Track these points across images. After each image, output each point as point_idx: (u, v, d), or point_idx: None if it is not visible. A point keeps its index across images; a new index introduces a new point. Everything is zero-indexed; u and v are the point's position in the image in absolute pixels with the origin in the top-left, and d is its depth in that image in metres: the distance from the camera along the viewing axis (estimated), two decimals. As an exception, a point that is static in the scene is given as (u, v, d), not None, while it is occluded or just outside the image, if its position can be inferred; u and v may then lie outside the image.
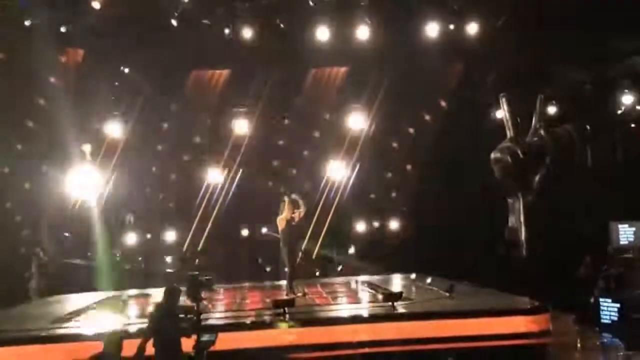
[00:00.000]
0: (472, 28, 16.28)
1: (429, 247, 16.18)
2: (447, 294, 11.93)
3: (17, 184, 16.17)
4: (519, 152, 12.71)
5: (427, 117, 18.50)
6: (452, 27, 16.39)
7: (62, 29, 15.36)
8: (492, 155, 13.07)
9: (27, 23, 15.24)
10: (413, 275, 15.26)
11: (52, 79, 16.43)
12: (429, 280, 13.86)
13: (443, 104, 18.19)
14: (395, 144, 18.85)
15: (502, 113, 13.69)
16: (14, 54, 15.62)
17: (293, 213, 12.83)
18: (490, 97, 15.72)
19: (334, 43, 16.94)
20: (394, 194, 18.82)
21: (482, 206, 15.73)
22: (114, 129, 17.30)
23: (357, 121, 17.83)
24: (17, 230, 16.15)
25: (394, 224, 18.47)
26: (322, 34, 16.91)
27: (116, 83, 17.46)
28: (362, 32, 16.81)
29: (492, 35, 16.06)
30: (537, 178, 12.85)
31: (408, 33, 16.69)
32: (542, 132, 13.27)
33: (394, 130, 18.61)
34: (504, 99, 13.55)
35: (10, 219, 16.03)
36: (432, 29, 16.46)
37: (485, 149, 13.57)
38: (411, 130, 18.74)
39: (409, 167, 18.68)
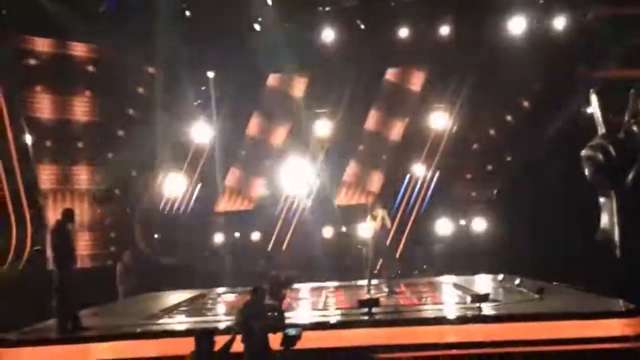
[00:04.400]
0: (560, 22, 15.81)
1: (516, 247, 15.80)
2: (537, 296, 11.61)
3: (110, 187, 16.87)
4: (611, 149, 12.24)
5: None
6: (537, 22, 15.97)
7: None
8: (583, 153, 12.62)
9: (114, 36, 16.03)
10: (501, 276, 14.94)
11: (140, 90, 17.13)
12: (517, 281, 13.52)
13: (526, 103, 17.70)
14: (476, 145, 18.48)
15: (592, 109, 13.21)
16: (103, 66, 16.39)
17: (383, 220, 12.89)
18: (580, 93, 15.21)
19: (414, 42, 16.88)
20: (477, 194, 18.42)
21: (571, 206, 15.22)
22: (199, 134, 17.84)
23: (439, 121, 17.67)
24: (109, 231, 16.85)
25: (479, 224, 18.07)
26: (403, 33, 16.87)
27: (202, 87, 17.97)
28: (444, 30, 16.65)
29: (580, 30, 15.54)
30: (630, 176, 12.31)
31: (491, 29, 16.39)
32: (634, 128, 12.72)
33: (475, 131, 18.27)
34: (594, 94, 13.07)
35: (103, 221, 16.74)
36: (516, 25, 16.10)
37: (573, 147, 13.13)
38: (492, 130, 18.32)
39: (489, 167, 18.27)
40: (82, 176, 16.45)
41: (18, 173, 14.46)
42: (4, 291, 12.75)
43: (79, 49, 16.42)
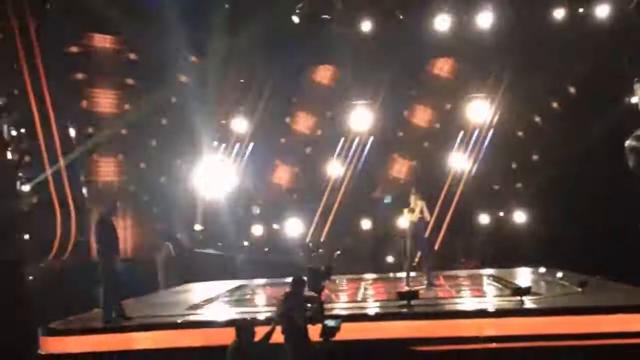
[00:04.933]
0: (603, 10, 15.48)
1: (558, 239, 15.55)
2: (579, 289, 11.44)
3: (152, 178, 17.12)
4: (656, 139, 11.98)
5: (555, 104, 17.72)
6: (581, 10, 15.67)
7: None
8: (627, 144, 12.38)
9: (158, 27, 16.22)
10: (542, 269, 14.74)
11: (183, 78, 17.32)
12: (559, 274, 13.33)
13: (572, 89, 17.37)
14: (520, 133, 18.20)
15: (636, 99, 12.96)
16: (146, 54, 16.60)
17: (421, 213, 12.82)
18: (623, 82, 14.88)
19: (453, 31, 16.72)
20: (519, 185, 18.18)
21: (614, 197, 14.92)
22: (240, 124, 17.98)
23: (479, 111, 17.47)
24: (153, 223, 17.11)
25: (519, 216, 17.80)
26: (442, 23, 16.72)
27: (241, 80, 18.09)
28: (484, 19, 16.46)
29: (624, 18, 15.18)
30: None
31: (533, 18, 16.14)
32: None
33: (519, 119, 18.00)
34: (638, 84, 12.80)
35: (147, 211, 17.00)
36: (558, 13, 15.82)
37: (618, 137, 12.87)
38: (537, 118, 18.03)
39: (535, 157, 17.98)
40: (125, 169, 16.69)
41: (63, 166, 14.76)
42: (49, 281, 13.07)
43: (121, 41, 16.64)
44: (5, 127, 14.52)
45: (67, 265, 14.06)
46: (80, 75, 16.12)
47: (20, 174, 14.71)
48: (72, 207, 14.77)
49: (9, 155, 14.55)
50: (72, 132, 15.44)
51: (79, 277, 12.59)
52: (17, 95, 14.68)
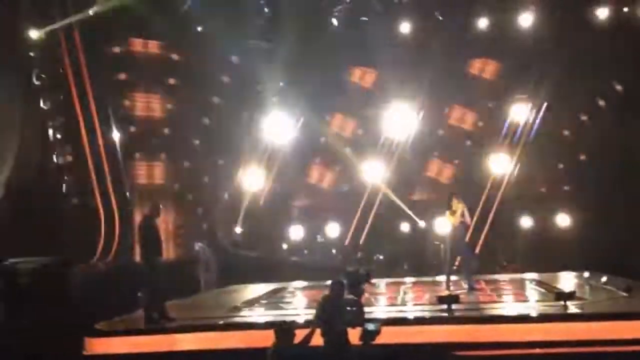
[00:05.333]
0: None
1: (604, 243, 15.19)
2: (625, 294, 11.18)
3: (197, 178, 17.31)
4: None
5: (601, 103, 17.32)
6: (626, 9, 15.35)
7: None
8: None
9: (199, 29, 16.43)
10: (586, 274, 14.46)
11: (225, 78, 17.49)
12: (604, 278, 13.06)
13: (619, 87, 16.97)
14: (566, 132, 17.82)
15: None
16: (189, 56, 16.81)
17: (462, 216, 12.69)
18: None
19: (494, 31, 16.55)
20: (565, 187, 17.78)
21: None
22: (280, 126, 18.05)
23: (522, 111, 17.22)
24: (197, 223, 17.29)
25: (564, 219, 17.39)
26: (483, 23, 16.58)
27: (280, 83, 18.19)
28: (525, 19, 16.27)
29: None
30: None
31: (576, 16, 15.88)
32: None
33: (563, 119, 17.65)
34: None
35: (192, 211, 17.18)
36: (602, 12, 15.54)
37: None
38: (584, 117, 17.59)
39: (582, 157, 17.56)
40: (169, 170, 16.89)
41: (107, 169, 15.03)
42: (93, 283, 13.32)
43: (162, 44, 16.86)
44: (50, 132, 14.88)
45: (111, 266, 14.31)
46: (123, 76, 16.35)
47: (65, 177, 15.04)
48: (115, 209, 15.03)
49: (55, 159, 14.90)
50: (115, 135, 15.71)
51: (122, 278, 12.80)
52: (62, 99, 15.02)
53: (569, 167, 17.59)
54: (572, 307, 10.17)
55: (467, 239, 13.31)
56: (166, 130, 16.73)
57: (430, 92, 17.80)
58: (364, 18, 17.19)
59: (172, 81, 16.86)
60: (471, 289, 12.80)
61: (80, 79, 14.94)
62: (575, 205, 17.06)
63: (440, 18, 17.00)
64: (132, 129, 16.26)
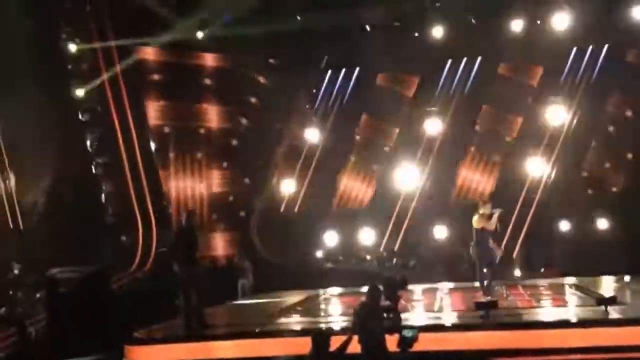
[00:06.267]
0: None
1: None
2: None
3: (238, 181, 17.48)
4: None
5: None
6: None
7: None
8: None
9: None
10: (627, 278, 14.17)
11: (253, 99, 17.69)
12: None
13: None
14: (602, 137, 17.56)
15: None
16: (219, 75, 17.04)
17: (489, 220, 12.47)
18: None
19: (528, 35, 16.38)
20: (602, 191, 17.49)
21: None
22: (312, 135, 18.14)
23: (558, 115, 16.99)
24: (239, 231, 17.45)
25: (602, 223, 17.10)
26: (516, 26, 16.42)
27: (314, 90, 18.26)
28: (559, 21, 16.10)
29: None
30: None
31: (609, 18, 15.67)
32: None
33: (596, 124, 17.37)
34: None
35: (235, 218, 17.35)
36: (637, 11, 15.32)
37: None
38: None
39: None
40: (202, 180, 17.10)
41: (144, 179, 15.25)
42: (133, 291, 13.52)
43: (196, 59, 17.11)
44: (88, 142, 15.18)
45: (149, 274, 14.50)
46: (156, 93, 16.59)
47: (103, 187, 15.32)
48: (153, 218, 15.24)
49: (93, 169, 15.19)
50: (152, 146, 15.95)
51: (161, 286, 12.95)
52: (100, 111, 15.31)
53: (604, 172, 17.32)
54: (613, 312, 9.98)
55: (490, 245, 12.86)
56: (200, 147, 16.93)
57: (462, 97, 17.71)
58: (397, 23, 17.13)
59: (205, 99, 17.10)
60: (508, 294, 12.59)
61: (118, 92, 15.22)
62: (609, 210, 16.83)
63: (473, 21, 16.91)
64: (166, 142, 16.48)
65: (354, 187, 18.89)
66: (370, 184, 18.81)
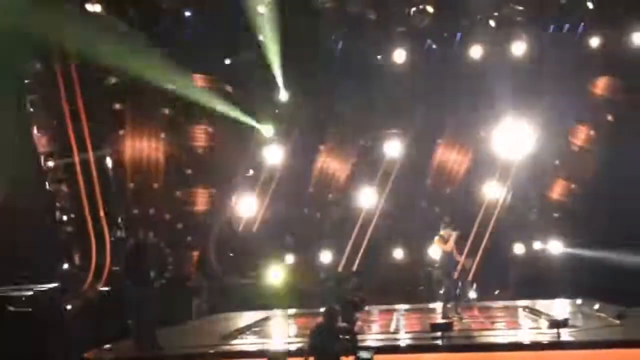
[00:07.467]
0: None
1: (594, 271, 15.18)
2: (617, 321, 11.17)
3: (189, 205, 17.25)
4: None
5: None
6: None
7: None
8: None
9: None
10: (579, 301, 14.44)
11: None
12: (596, 306, 13.05)
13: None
14: (557, 162, 17.94)
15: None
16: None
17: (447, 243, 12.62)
18: None
19: (488, 60, 16.67)
20: (556, 215, 17.84)
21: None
22: (271, 154, 18.08)
23: (511, 140, 17.25)
24: (188, 250, 17.20)
25: (556, 246, 17.41)
26: (476, 52, 16.72)
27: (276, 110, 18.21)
28: (517, 48, 16.44)
29: None
30: None
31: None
32: None
33: (555, 148, 17.74)
34: None
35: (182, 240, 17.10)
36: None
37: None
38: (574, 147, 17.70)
39: (573, 186, 17.67)
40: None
41: (99, 196, 14.92)
42: (83, 311, 13.19)
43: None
44: (42, 158, 14.83)
45: (101, 295, 14.18)
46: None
47: (57, 204, 14.96)
48: (107, 236, 14.92)
49: (47, 185, 14.84)
50: (108, 162, 15.66)
51: (112, 306, 12.69)
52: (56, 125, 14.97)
53: (559, 196, 17.69)
54: (565, 335, 10.14)
55: (458, 267, 13.07)
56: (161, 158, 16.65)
57: (423, 120, 17.91)
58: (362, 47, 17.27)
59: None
60: (463, 316, 12.72)
61: (76, 108, 14.87)
62: (566, 234, 17.19)
63: (434, 46, 17.16)
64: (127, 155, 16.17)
65: (316, 205, 18.75)
66: (333, 203, 18.70)
